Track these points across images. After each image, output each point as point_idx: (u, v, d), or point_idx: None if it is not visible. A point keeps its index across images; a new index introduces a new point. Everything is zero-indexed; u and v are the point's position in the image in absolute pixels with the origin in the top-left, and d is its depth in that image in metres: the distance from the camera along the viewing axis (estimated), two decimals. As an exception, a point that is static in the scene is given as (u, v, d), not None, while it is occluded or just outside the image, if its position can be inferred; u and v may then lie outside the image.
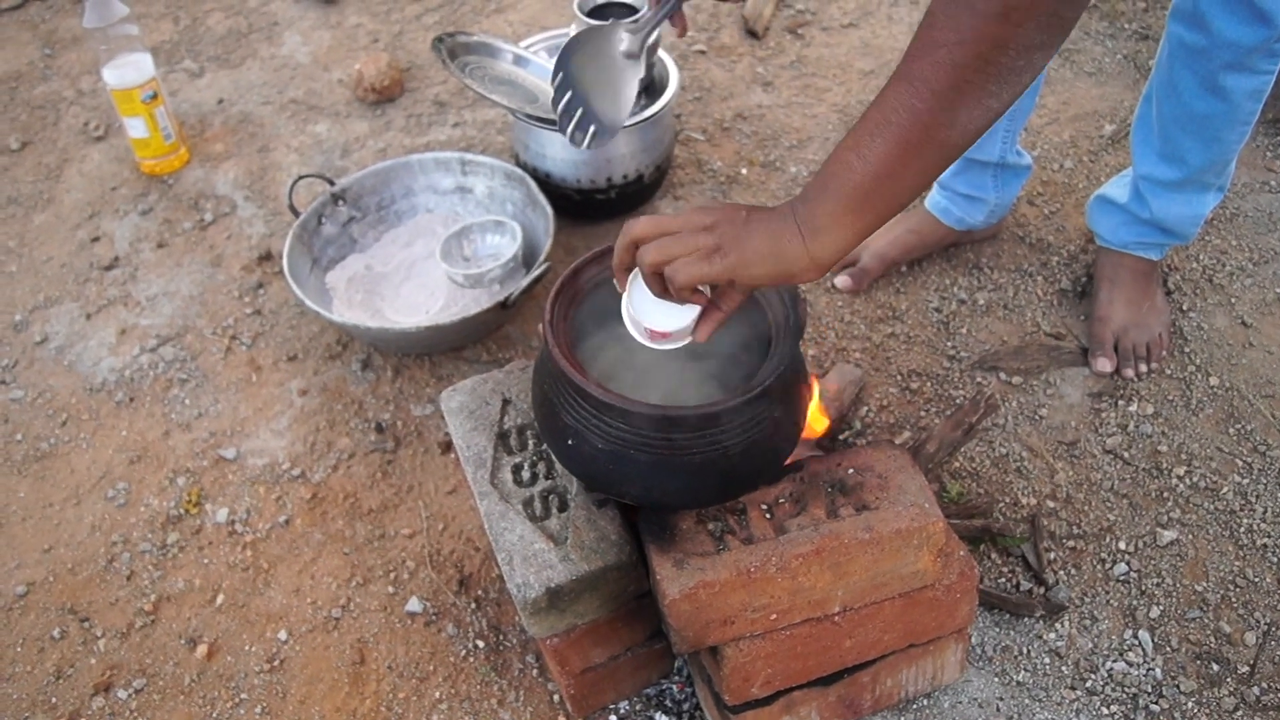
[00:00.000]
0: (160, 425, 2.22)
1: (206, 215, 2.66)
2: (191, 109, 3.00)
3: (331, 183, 2.41)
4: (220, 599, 1.94)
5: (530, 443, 1.64)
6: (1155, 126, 2.03)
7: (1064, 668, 1.78)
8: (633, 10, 2.36)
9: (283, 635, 1.88)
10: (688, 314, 1.32)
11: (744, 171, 2.68)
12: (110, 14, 2.59)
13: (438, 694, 1.79)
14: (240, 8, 3.37)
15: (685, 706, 1.75)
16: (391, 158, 2.64)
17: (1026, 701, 1.74)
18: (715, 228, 1.25)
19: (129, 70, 2.65)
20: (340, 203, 2.43)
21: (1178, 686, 1.74)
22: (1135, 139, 2.11)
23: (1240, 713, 1.71)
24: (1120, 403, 2.14)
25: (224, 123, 2.95)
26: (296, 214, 2.36)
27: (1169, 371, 2.18)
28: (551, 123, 2.30)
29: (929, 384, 2.19)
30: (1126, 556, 1.91)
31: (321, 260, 2.40)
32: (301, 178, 2.40)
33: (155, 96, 2.68)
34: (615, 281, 1.36)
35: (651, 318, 1.33)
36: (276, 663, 1.85)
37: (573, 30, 2.37)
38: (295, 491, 2.09)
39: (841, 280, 2.36)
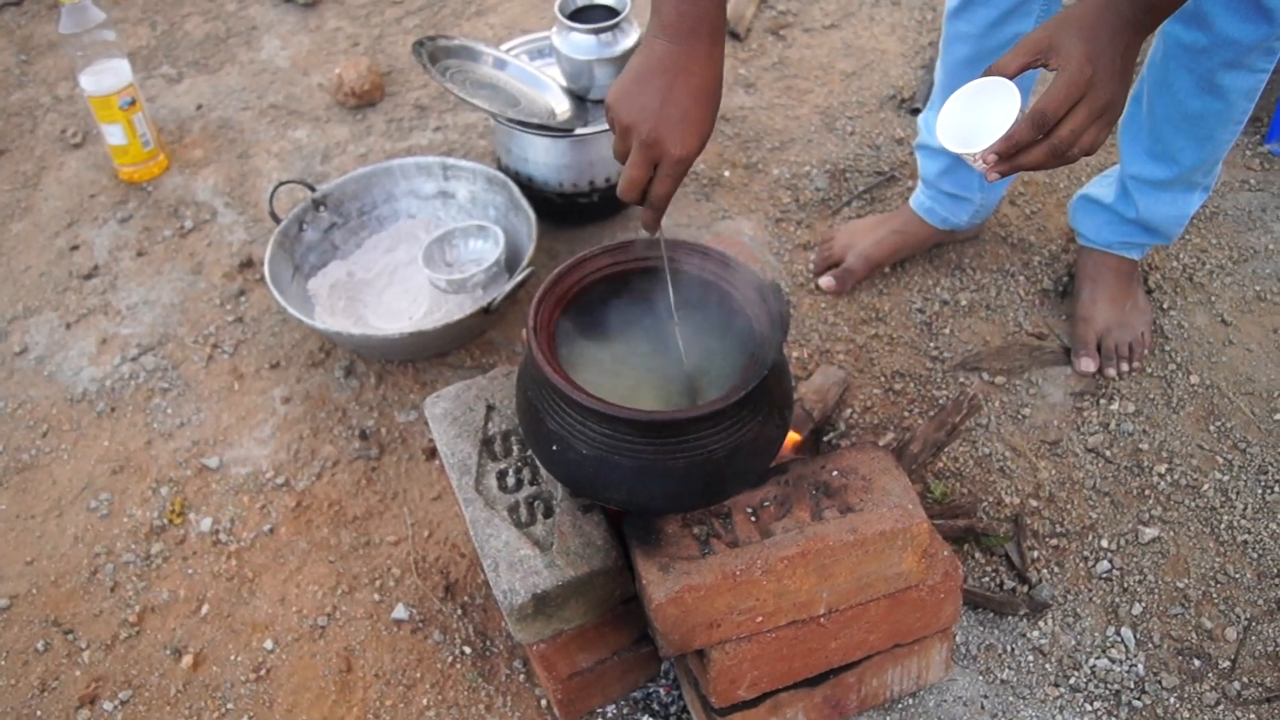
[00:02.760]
0: (142, 435, 2.21)
1: (186, 222, 2.66)
2: (170, 115, 2.99)
3: (312, 189, 2.40)
4: (205, 609, 1.94)
5: (515, 448, 1.64)
6: (1145, 126, 2.03)
7: (1047, 665, 1.78)
8: (614, 13, 2.36)
9: (269, 644, 1.88)
10: (1008, 115, 1.34)
11: (726, 174, 2.68)
12: (87, 20, 2.58)
13: (425, 701, 1.79)
14: (218, 12, 3.36)
15: (672, 709, 1.75)
16: (373, 163, 2.64)
17: (1011, 699, 1.74)
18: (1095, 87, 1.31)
19: (106, 76, 2.64)
20: (321, 209, 2.42)
21: (1160, 683, 1.75)
22: (1123, 138, 2.11)
23: (1222, 708, 1.72)
24: (1102, 401, 2.15)
25: (203, 129, 2.94)
26: (277, 220, 2.35)
27: (1150, 370, 2.19)
28: (533, 126, 2.30)
29: (912, 385, 2.20)
30: (1109, 554, 1.92)
31: (303, 267, 2.39)
32: (282, 184, 2.39)
33: (133, 103, 2.67)
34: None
35: (982, 137, 1.35)
36: (263, 672, 1.85)
37: (554, 33, 2.38)
38: (279, 500, 2.09)
39: (825, 281, 2.37)
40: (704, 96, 1.41)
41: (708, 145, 2.72)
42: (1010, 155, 1.33)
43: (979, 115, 1.36)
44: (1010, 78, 1.35)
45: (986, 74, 1.36)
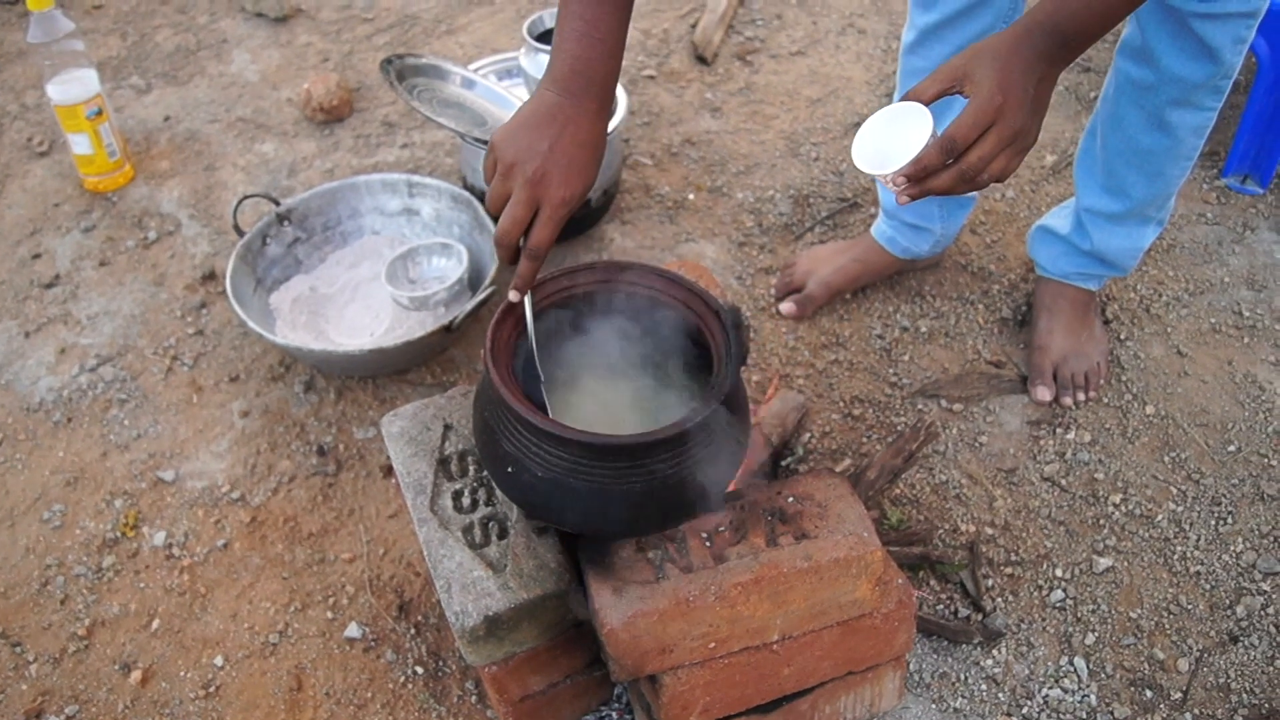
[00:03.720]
0: (98, 446, 2.20)
1: (150, 234, 2.64)
2: (137, 125, 2.97)
3: (277, 203, 2.39)
4: (156, 624, 1.92)
5: (471, 469, 1.64)
6: (1099, 160, 2.06)
7: (1000, 694, 1.79)
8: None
9: (219, 661, 1.87)
10: (920, 140, 1.34)
11: (691, 197, 2.69)
12: (55, 29, 2.57)
13: (376, 720, 1.79)
14: (189, 25, 3.35)
15: (625, 733, 1.75)
16: (339, 178, 2.63)
17: (963, 728, 1.75)
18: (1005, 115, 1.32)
19: (74, 86, 2.63)
20: (286, 223, 2.41)
21: (1111, 713, 1.76)
22: (1079, 172, 2.14)
23: (1172, 740, 1.74)
24: (1058, 431, 2.16)
25: (170, 140, 2.93)
26: (241, 234, 2.35)
27: (1106, 400, 2.21)
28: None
29: (871, 411, 2.21)
30: (1063, 583, 1.93)
31: (266, 281, 2.38)
32: (247, 197, 2.39)
33: (100, 113, 2.66)
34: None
35: (894, 160, 1.35)
36: (212, 689, 1.83)
37: (522, 54, 2.38)
38: (234, 515, 2.07)
39: (786, 307, 2.38)
40: (589, 147, 1.45)
41: (674, 169, 2.74)
42: (919, 179, 1.34)
43: (893, 139, 1.37)
44: (925, 104, 1.36)
45: (903, 99, 1.38)
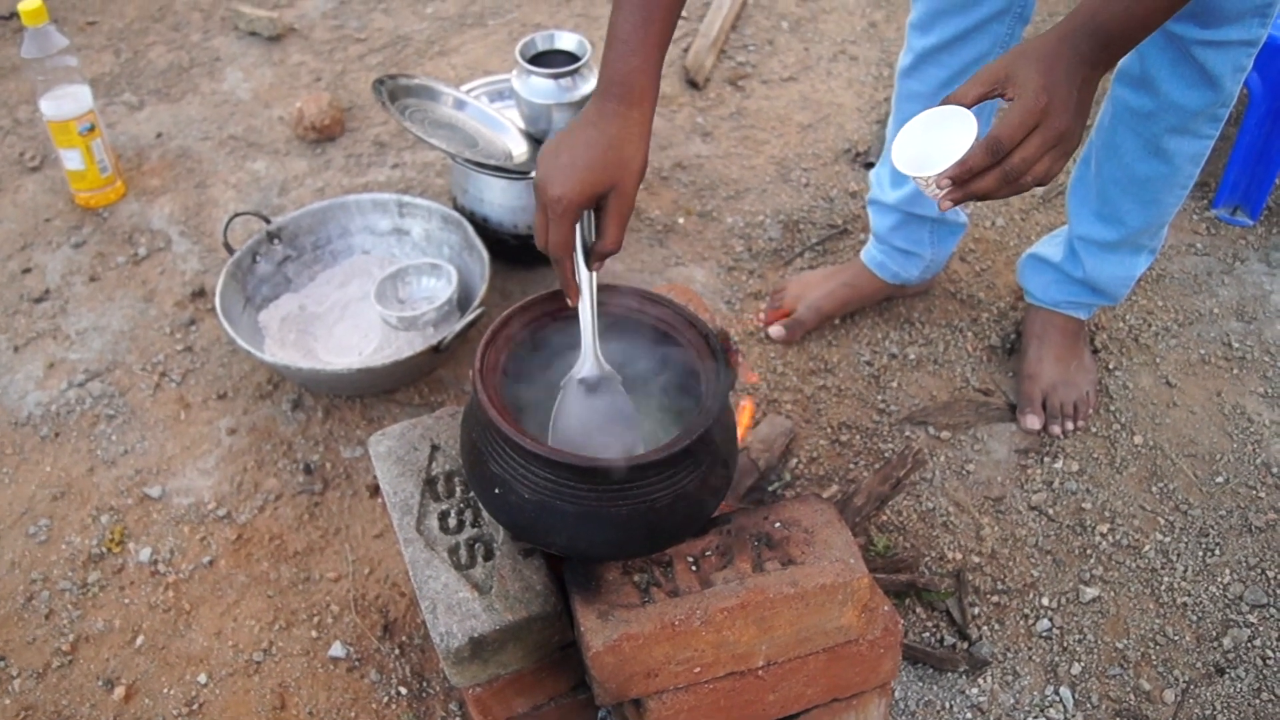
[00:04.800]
0: (85, 461, 2.19)
1: (140, 250, 2.64)
2: (129, 142, 2.97)
3: (267, 221, 2.39)
4: (140, 640, 1.91)
5: (458, 490, 1.63)
6: (1094, 187, 2.06)
7: (986, 723, 1.79)
8: (574, 58, 2.37)
9: (202, 678, 1.86)
10: (965, 142, 1.34)
11: (681, 221, 2.70)
12: (49, 45, 2.57)
13: (359, 741, 1.78)
14: (182, 42, 3.36)
15: (608, 757, 1.74)
16: (329, 197, 2.63)
17: (948, 757, 1.75)
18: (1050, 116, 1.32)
19: (66, 102, 2.63)
20: (276, 241, 2.41)
21: (1097, 744, 1.76)
22: (1072, 199, 2.14)
23: (1157, 771, 1.73)
24: (1046, 460, 2.17)
25: (162, 157, 2.93)
26: (231, 251, 2.35)
27: (1094, 429, 2.22)
28: (490, 167, 2.31)
29: (859, 437, 2.21)
30: (1049, 613, 1.93)
31: (255, 299, 2.38)
32: (237, 215, 2.39)
33: (92, 129, 2.66)
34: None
35: (937, 162, 1.34)
36: (195, 706, 1.82)
37: (514, 76, 2.39)
38: (220, 532, 2.07)
39: (775, 331, 2.38)
40: (596, 147, 1.44)
41: (664, 193, 2.74)
42: (964, 181, 1.34)
43: (935, 142, 1.36)
44: (968, 106, 1.36)
45: (944, 103, 1.37)
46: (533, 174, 2.31)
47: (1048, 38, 1.35)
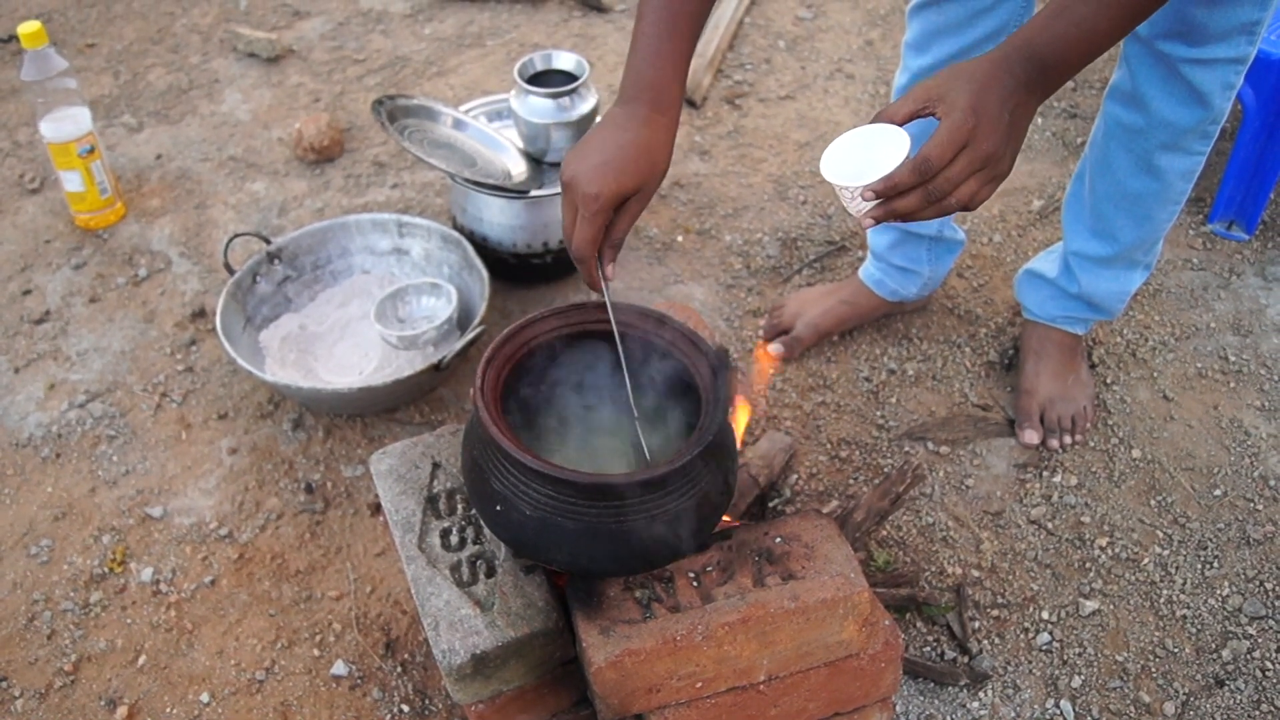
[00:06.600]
0: (87, 482, 2.19)
1: (140, 271, 2.65)
2: (129, 164, 2.99)
3: (267, 241, 2.40)
4: (142, 659, 1.92)
5: (459, 507, 1.64)
6: (1087, 204, 2.08)
7: (987, 737, 1.79)
8: (572, 78, 2.39)
9: (205, 698, 1.86)
10: (895, 159, 1.32)
11: (679, 239, 2.71)
12: (49, 68, 2.59)
13: (361, 759, 1.78)
14: (181, 64, 3.37)
15: (611, 774, 1.74)
16: (329, 218, 2.65)
17: (949, 771, 1.75)
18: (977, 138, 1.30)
19: (66, 124, 2.64)
20: (276, 261, 2.42)
21: (1098, 757, 1.77)
22: (1067, 216, 2.16)
23: (1158, 784, 1.74)
24: (1045, 474, 2.17)
25: (161, 178, 2.94)
26: (231, 272, 2.35)
27: (1092, 443, 2.22)
28: (489, 186, 2.32)
29: (858, 453, 2.22)
30: (1049, 626, 1.93)
31: (255, 319, 2.39)
32: (237, 235, 2.40)
33: (92, 150, 2.67)
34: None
35: (864, 176, 1.33)
36: (198, 726, 1.83)
37: (512, 96, 2.40)
38: (222, 551, 2.07)
39: (774, 348, 2.39)
40: (628, 149, 1.45)
41: (662, 211, 2.75)
42: (888, 197, 1.31)
43: (866, 157, 1.34)
44: (898, 124, 1.34)
45: (876, 119, 1.36)
46: (532, 193, 2.34)
47: (984, 59, 1.33)
